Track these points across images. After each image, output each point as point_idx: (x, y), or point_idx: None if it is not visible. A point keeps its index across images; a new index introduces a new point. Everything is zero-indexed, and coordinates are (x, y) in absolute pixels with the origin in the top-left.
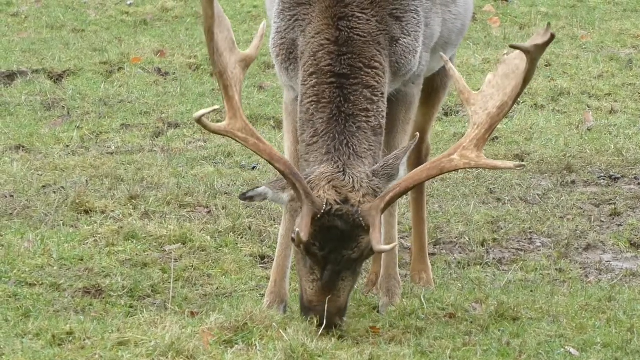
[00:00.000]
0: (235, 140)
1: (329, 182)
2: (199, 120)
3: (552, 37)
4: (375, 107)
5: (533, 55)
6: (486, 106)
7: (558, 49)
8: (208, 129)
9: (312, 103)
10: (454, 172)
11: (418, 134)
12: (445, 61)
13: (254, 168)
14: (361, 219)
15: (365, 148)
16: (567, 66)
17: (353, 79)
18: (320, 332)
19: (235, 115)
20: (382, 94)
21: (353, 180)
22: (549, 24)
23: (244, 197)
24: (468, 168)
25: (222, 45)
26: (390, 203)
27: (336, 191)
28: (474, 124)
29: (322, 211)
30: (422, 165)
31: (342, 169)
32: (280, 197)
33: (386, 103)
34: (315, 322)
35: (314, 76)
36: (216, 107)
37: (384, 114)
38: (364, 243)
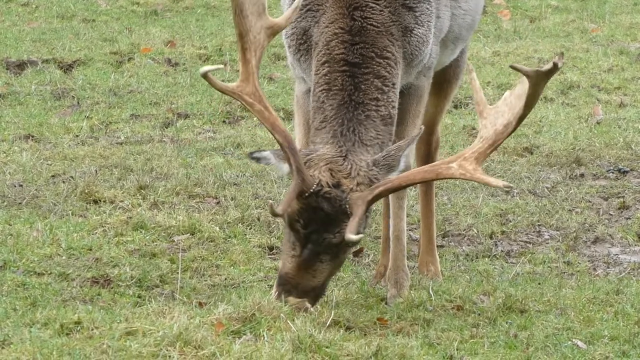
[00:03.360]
0: (242, 103)
1: (327, 164)
2: (204, 75)
3: (555, 67)
4: (385, 96)
5: (534, 80)
6: (495, 122)
7: (568, 42)
8: (214, 86)
9: (324, 91)
10: None
11: (423, 126)
12: (470, 70)
13: None
14: (347, 206)
15: (372, 136)
16: (577, 59)
17: (365, 68)
18: (290, 307)
19: (248, 79)
20: (394, 84)
21: (351, 167)
22: (562, 53)
23: (251, 155)
24: (463, 179)
25: (249, 8)
26: (379, 197)
27: (331, 174)
28: (481, 138)
29: (311, 190)
30: (421, 167)
31: (344, 154)
32: (281, 166)
33: (397, 94)
34: (283, 298)
35: (327, 65)
36: (220, 65)
37: (395, 104)
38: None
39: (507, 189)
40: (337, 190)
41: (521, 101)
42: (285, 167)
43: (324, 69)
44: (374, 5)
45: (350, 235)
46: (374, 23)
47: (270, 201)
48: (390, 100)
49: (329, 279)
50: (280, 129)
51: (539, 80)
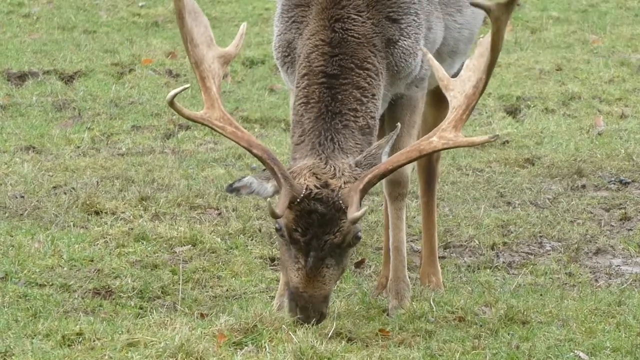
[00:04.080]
0: (212, 129)
1: (310, 170)
2: (171, 103)
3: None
4: (364, 107)
5: (496, 14)
6: (464, 89)
7: (569, 53)
8: (181, 114)
9: (302, 104)
10: (464, 176)
11: (399, 124)
12: (424, 53)
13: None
14: (341, 201)
15: (351, 145)
16: (578, 70)
17: (343, 79)
18: (307, 323)
19: (213, 105)
20: (373, 95)
21: (334, 169)
22: None
23: (230, 188)
24: (446, 148)
25: (199, 39)
26: (370, 184)
27: (316, 177)
28: (453, 108)
29: (302, 195)
30: (402, 150)
31: (324, 160)
32: (264, 187)
33: (378, 105)
34: (299, 313)
35: (306, 77)
36: (187, 85)
37: (375, 114)
38: (345, 227)
39: (492, 140)
40: (327, 190)
41: (484, 57)
42: (270, 187)
43: (303, 82)
44: (356, 17)
45: (355, 213)
46: (355, 35)
47: (269, 199)
48: (369, 111)
49: (335, 284)
50: (256, 144)
51: (500, 14)
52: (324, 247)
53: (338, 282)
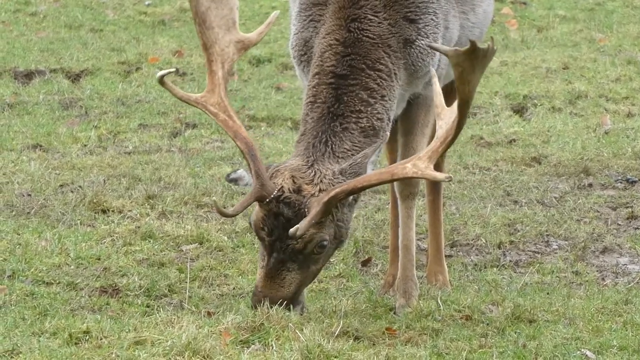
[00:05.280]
0: (206, 113)
1: (290, 172)
2: (160, 81)
3: (473, 46)
4: (370, 109)
5: (454, 61)
6: (449, 121)
7: (576, 52)
8: (174, 94)
9: (309, 104)
10: (471, 174)
11: (388, 134)
12: (432, 75)
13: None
14: (306, 209)
15: (345, 148)
16: (585, 69)
17: (352, 79)
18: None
19: (214, 90)
20: (383, 96)
21: (314, 175)
22: (492, 37)
23: (228, 178)
24: (415, 177)
25: (215, 21)
26: (335, 198)
27: (293, 181)
28: (436, 138)
29: (272, 196)
30: (377, 170)
31: (309, 164)
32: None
33: (389, 106)
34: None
35: (317, 77)
36: (172, 69)
37: (382, 116)
38: (308, 235)
39: (448, 180)
40: (298, 196)
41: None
42: None
43: (313, 81)
44: (372, 17)
45: (292, 229)
46: (370, 35)
47: (214, 198)
48: (376, 112)
49: (300, 289)
50: (242, 136)
51: (458, 60)
52: (285, 250)
53: (304, 287)
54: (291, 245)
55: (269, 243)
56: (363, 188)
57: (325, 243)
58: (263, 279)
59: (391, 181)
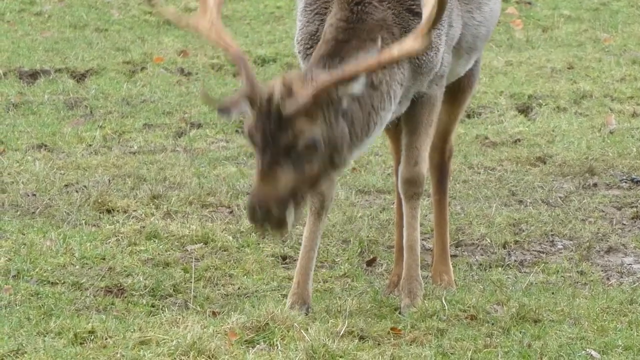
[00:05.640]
0: (198, 35)
1: (284, 76)
2: (149, 3)
3: None
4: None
5: None
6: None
7: (581, 52)
8: (164, 14)
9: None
10: (476, 174)
11: (379, 37)
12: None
13: None
14: (296, 106)
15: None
16: (590, 69)
17: (354, 43)
18: (260, 226)
19: (204, 14)
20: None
21: (306, 78)
22: None
23: (220, 108)
24: (400, 56)
25: None
26: (324, 90)
27: (284, 83)
28: (423, 19)
29: (263, 96)
30: (363, 56)
31: (304, 73)
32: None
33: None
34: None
35: (320, 46)
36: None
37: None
38: (298, 127)
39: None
40: (288, 96)
41: None
42: None
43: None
44: (377, 4)
45: (282, 102)
46: (374, 17)
47: (203, 89)
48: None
49: (296, 192)
50: (234, 49)
51: None
52: (277, 148)
53: (301, 192)
54: (283, 139)
55: (262, 146)
56: (352, 75)
57: (316, 143)
58: (258, 180)
59: (378, 66)
